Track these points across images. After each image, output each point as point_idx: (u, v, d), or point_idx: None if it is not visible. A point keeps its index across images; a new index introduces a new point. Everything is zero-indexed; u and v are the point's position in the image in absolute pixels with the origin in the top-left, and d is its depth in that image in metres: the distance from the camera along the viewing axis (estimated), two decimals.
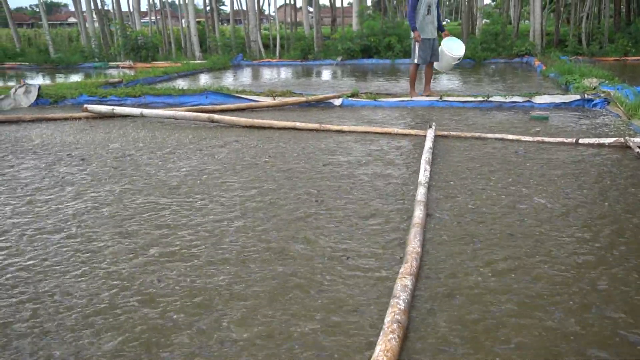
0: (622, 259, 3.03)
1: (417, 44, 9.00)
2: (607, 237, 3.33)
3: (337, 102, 8.93)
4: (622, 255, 3.08)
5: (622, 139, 5.66)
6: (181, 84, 12.78)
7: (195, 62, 19.59)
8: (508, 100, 8.53)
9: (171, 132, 7.03)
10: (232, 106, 8.65)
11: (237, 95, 9.37)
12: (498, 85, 11.98)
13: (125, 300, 2.70)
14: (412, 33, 9.03)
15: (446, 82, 12.88)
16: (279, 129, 7.06)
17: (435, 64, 9.45)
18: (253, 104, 8.86)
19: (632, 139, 5.64)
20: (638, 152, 5.26)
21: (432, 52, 9.14)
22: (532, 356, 2.19)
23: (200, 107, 8.60)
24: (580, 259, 3.04)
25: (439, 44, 9.23)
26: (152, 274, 2.97)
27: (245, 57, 21.57)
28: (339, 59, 19.73)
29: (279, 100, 8.98)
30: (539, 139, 6.00)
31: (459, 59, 9.33)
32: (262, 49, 22.71)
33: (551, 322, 2.43)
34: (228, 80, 14.75)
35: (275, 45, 22.97)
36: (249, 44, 22.90)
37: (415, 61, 9.15)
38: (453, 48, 9.26)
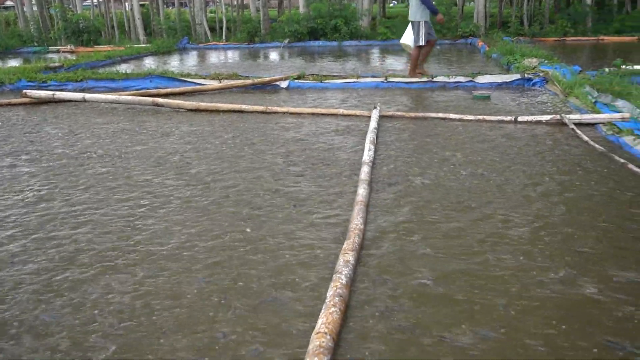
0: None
1: (425, 26, 9.03)
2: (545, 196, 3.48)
3: (284, 84, 8.91)
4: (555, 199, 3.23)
5: (558, 116, 5.87)
6: (125, 68, 12.49)
7: (140, 45, 19.15)
8: (452, 80, 8.69)
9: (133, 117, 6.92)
10: (177, 90, 8.54)
11: (182, 78, 9.24)
12: (443, 66, 12.16)
13: None
14: (422, 16, 8.97)
15: (393, 63, 13.01)
16: (225, 111, 7.02)
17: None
18: (199, 87, 8.77)
19: (567, 116, 5.85)
20: (573, 129, 5.46)
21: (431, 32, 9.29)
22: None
23: (145, 91, 8.46)
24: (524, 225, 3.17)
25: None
26: None
27: (191, 41, 21.22)
28: (286, 41, 19.60)
29: (225, 83, 8.91)
30: (481, 117, 6.15)
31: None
32: (209, 32, 22.38)
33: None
34: (174, 64, 14.50)
35: (221, 28, 22.65)
36: (194, 27, 22.53)
37: (421, 43, 9.13)
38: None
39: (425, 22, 9.00)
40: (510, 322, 2.29)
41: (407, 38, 9.47)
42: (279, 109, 6.90)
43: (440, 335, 2.22)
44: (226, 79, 9.23)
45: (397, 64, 12.76)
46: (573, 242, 3.01)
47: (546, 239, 3.05)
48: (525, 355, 2.09)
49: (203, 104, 7.20)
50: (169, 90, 8.49)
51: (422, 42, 9.08)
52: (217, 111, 7.04)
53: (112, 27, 23.69)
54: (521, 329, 2.24)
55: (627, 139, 5.01)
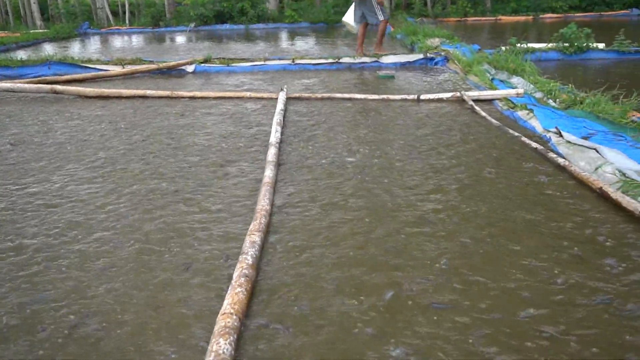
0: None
1: (375, 1, 9.13)
2: (446, 161, 3.63)
3: (190, 68, 8.76)
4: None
5: (458, 94, 6.10)
6: (21, 55, 11.88)
7: (37, 31, 18.24)
8: (357, 61, 8.83)
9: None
10: (78, 76, 8.20)
11: (82, 65, 8.88)
12: (351, 46, 12.30)
13: None
14: None
15: (302, 44, 13.05)
16: (129, 97, 6.83)
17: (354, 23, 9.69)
18: (101, 73, 8.45)
19: (466, 93, 6.09)
20: (471, 105, 5.69)
21: None
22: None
23: (43, 78, 8.07)
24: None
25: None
26: None
27: (92, 26, 20.42)
28: (192, 25, 19.24)
29: (128, 68, 8.64)
30: (385, 96, 6.30)
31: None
32: (111, 17, 21.63)
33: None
34: (75, 50, 13.93)
35: (124, 13, 21.94)
36: (95, 11, 21.71)
37: (384, 17, 9.26)
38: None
39: None
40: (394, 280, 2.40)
41: (349, 17, 9.66)
42: (185, 93, 6.78)
43: (337, 299, 2.29)
44: (130, 64, 8.96)
45: (306, 46, 12.82)
46: (462, 202, 3.16)
47: (440, 207, 3.19)
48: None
49: (105, 90, 6.97)
50: (69, 77, 8.13)
51: (383, 17, 9.27)
52: (120, 97, 6.84)
53: (6, 12, 22.44)
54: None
55: (521, 114, 5.27)
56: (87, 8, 22.19)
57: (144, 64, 9.02)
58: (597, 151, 3.98)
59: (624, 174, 3.53)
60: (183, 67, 8.78)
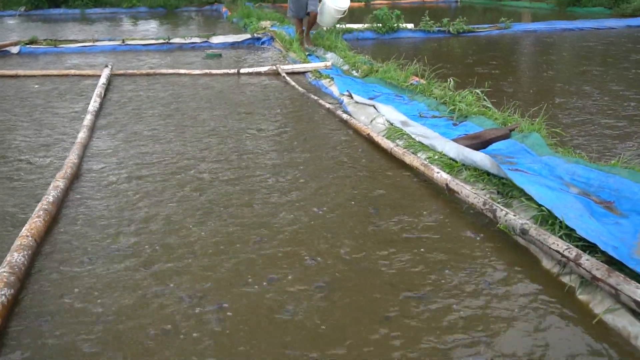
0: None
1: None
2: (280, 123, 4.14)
3: (15, 49, 8.59)
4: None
5: (274, 67, 6.66)
6: None
7: None
8: (187, 41, 9.15)
9: None
10: None
11: None
12: (191, 30, 12.53)
13: None
14: None
15: (141, 28, 13.06)
16: None
17: (318, 20, 8.33)
18: None
19: (281, 66, 6.67)
20: (284, 77, 6.28)
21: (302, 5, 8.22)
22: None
23: None
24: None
25: None
26: None
27: None
28: (22, 9, 18.27)
29: None
30: (207, 71, 6.73)
31: (344, 12, 8.20)
32: None
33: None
34: None
35: None
36: None
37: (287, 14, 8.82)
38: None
39: None
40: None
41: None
42: (7, 72, 6.77)
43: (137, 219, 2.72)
44: None
45: (146, 29, 12.85)
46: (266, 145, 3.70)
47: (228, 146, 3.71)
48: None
49: None
50: None
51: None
52: None
53: None
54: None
55: (324, 82, 5.96)
56: None
57: None
58: (375, 107, 4.70)
59: (391, 124, 4.26)
60: (7, 49, 8.59)
